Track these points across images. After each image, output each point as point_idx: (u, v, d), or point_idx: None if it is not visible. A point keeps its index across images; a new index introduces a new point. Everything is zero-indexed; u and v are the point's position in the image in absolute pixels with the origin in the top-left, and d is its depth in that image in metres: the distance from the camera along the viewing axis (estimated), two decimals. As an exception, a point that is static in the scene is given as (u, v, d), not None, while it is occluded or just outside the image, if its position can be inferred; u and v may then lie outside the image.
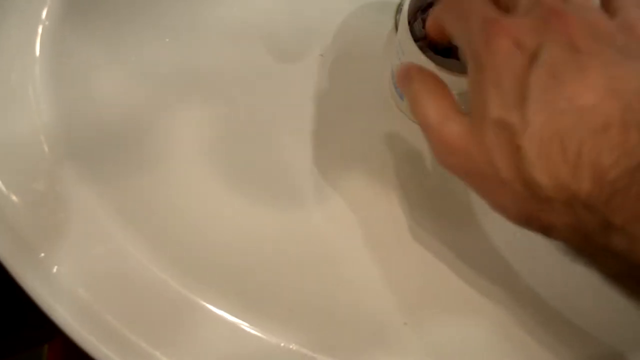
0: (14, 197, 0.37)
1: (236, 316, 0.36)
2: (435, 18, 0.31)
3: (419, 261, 0.39)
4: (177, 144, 0.40)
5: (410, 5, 0.36)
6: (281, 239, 0.39)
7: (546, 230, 0.25)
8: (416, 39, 0.37)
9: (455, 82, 0.33)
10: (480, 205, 0.39)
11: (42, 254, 0.36)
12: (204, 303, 0.36)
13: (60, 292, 0.35)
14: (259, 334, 0.36)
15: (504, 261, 0.38)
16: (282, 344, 0.36)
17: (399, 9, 0.44)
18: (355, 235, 0.39)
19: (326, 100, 0.42)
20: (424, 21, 0.37)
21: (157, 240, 0.37)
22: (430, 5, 0.38)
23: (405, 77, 0.31)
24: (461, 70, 0.35)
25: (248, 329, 0.36)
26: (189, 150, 0.40)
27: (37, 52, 0.40)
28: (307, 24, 0.43)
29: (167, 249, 0.37)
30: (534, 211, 0.25)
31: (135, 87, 0.40)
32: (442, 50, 0.37)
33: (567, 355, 0.36)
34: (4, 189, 0.37)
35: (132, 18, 0.41)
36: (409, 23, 0.37)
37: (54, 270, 0.35)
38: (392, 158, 0.41)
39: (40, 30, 0.40)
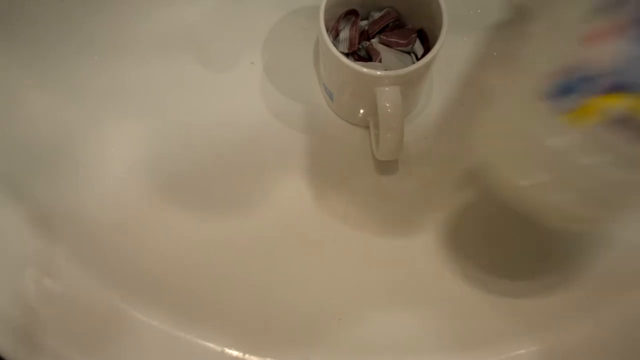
0: None
1: (168, 323, 0.36)
2: None
3: (353, 260, 0.39)
4: (110, 160, 0.39)
5: (327, 11, 0.36)
6: (212, 245, 0.38)
7: None
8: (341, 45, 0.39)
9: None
10: (413, 204, 0.40)
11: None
12: (136, 313, 0.36)
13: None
14: (192, 339, 0.36)
15: (432, 258, 0.39)
16: (215, 348, 0.36)
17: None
18: (287, 237, 0.39)
19: (259, 107, 0.42)
20: (353, 26, 0.39)
21: (86, 254, 0.36)
22: (353, 11, 0.39)
23: None
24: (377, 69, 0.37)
25: (181, 335, 0.36)
26: (121, 165, 0.40)
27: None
28: (236, 33, 0.43)
29: (95, 261, 0.36)
30: None
31: (65, 107, 0.39)
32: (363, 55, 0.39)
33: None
34: None
35: (59, 40, 0.40)
36: (334, 29, 0.39)
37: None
38: (326, 158, 0.41)
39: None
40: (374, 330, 0.37)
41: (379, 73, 0.35)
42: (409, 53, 0.39)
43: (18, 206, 0.36)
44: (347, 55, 0.39)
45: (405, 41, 0.39)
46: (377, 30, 0.39)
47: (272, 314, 0.37)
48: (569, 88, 0.23)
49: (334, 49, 0.35)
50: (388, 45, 0.39)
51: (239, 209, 0.40)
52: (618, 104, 0.21)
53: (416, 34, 0.39)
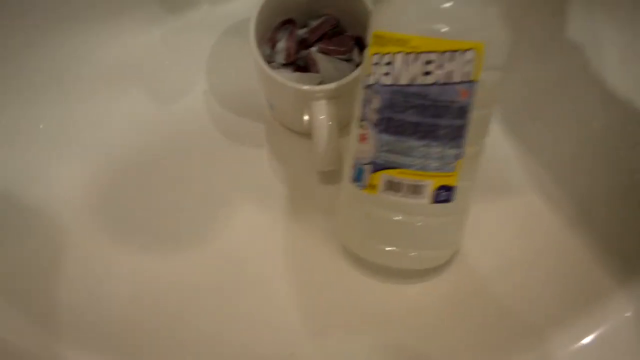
0: None
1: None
2: None
3: (304, 290, 0.38)
4: (56, 202, 0.39)
5: (261, 23, 0.36)
6: (161, 284, 0.38)
7: None
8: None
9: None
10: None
11: None
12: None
13: None
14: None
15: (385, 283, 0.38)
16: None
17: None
18: (237, 272, 0.38)
19: (210, 134, 0.41)
20: (290, 36, 0.39)
21: (25, 300, 0.36)
22: (290, 20, 0.39)
23: None
24: (315, 81, 0.38)
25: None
26: (66, 206, 0.39)
27: None
28: (182, 61, 0.43)
29: (37, 309, 0.36)
30: None
31: (8, 153, 0.39)
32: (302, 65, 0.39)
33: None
34: None
35: None
36: (271, 40, 0.39)
37: None
38: (277, 177, 0.41)
39: None
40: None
41: (305, 87, 0.35)
42: (348, 60, 0.39)
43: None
44: (285, 65, 0.39)
45: (344, 49, 0.38)
46: (316, 38, 0.39)
47: (223, 355, 0.36)
48: (360, 172, 0.33)
49: (262, 63, 0.35)
50: (327, 53, 0.38)
51: (190, 243, 0.39)
52: (384, 176, 0.32)
53: (354, 42, 0.38)
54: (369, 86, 0.32)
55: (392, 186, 0.31)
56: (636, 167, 0.37)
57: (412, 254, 0.34)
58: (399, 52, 0.30)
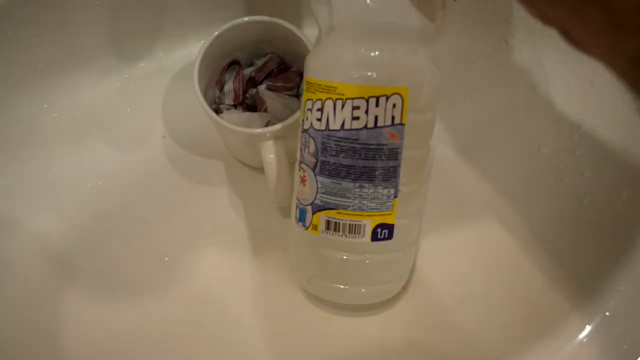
0: None
1: None
2: None
3: (278, 331, 0.38)
4: (20, 259, 0.39)
5: (208, 66, 0.37)
6: (127, 335, 0.38)
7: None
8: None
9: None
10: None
11: None
12: None
13: None
14: None
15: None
16: None
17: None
18: (205, 316, 0.39)
19: (173, 178, 0.42)
20: (236, 77, 0.39)
21: None
22: (236, 61, 0.40)
23: None
24: (264, 120, 0.38)
25: None
26: (28, 268, 0.39)
27: None
28: (144, 108, 0.43)
29: None
30: None
31: None
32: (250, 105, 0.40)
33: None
34: None
35: None
36: (219, 82, 0.39)
37: None
38: (240, 214, 0.41)
39: None
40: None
41: (249, 131, 0.35)
42: (297, 96, 0.39)
43: None
44: (235, 106, 0.39)
45: (291, 85, 0.39)
46: (263, 76, 0.39)
47: None
48: (302, 212, 0.34)
49: (207, 108, 0.36)
50: (275, 90, 0.39)
51: (157, 289, 0.40)
52: (323, 216, 0.33)
53: (300, 77, 0.39)
54: (304, 130, 0.32)
55: (332, 226, 0.32)
56: (585, 192, 0.37)
57: (361, 290, 0.35)
58: (328, 99, 0.30)
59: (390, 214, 0.32)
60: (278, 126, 0.35)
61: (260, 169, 0.41)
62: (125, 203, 0.41)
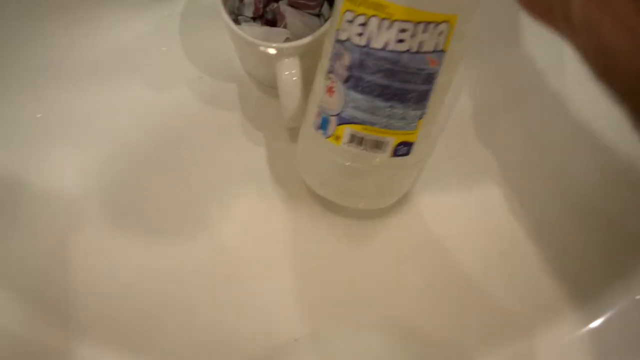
0: None
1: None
2: None
3: (310, 277, 0.38)
4: (55, 193, 0.38)
5: None
6: (164, 273, 0.38)
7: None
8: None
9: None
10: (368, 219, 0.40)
11: None
12: (84, 353, 0.35)
13: None
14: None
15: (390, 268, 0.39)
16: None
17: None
18: (237, 258, 0.39)
19: (206, 124, 0.41)
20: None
21: (29, 293, 0.36)
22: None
23: None
24: (282, 37, 0.37)
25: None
26: (67, 198, 0.38)
27: None
28: (180, 47, 0.42)
29: (41, 300, 0.36)
30: None
31: (3, 145, 0.38)
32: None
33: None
34: None
35: None
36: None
37: None
38: (274, 173, 0.41)
39: None
40: (333, 349, 0.37)
41: (272, 47, 0.34)
42: (318, 15, 0.39)
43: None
44: (253, 19, 0.38)
45: (314, 3, 0.38)
46: (285, -9, 0.38)
47: (226, 344, 0.36)
48: (325, 122, 0.34)
49: (227, 20, 0.35)
50: (296, 7, 0.38)
51: (193, 230, 0.39)
52: (348, 129, 0.33)
53: (323, -4, 0.38)
54: (340, 41, 0.32)
55: (356, 140, 0.33)
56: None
57: (368, 197, 0.37)
58: (373, 16, 0.30)
59: (413, 133, 0.33)
60: (300, 42, 0.35)
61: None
62: (159, 141, 0.40)
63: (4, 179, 0.38)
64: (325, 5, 0.39)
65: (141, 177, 0.40)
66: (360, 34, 0.31)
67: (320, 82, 0.34)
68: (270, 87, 0.41)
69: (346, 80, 0.32)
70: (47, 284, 0.36)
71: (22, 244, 0.37)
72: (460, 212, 0.40)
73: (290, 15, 0.38)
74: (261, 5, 0.38)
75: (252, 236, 0.39)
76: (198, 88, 0.41)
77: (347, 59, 0.32)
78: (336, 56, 0.32)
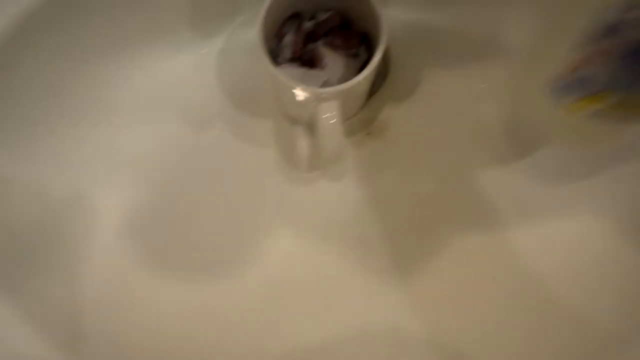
0: None
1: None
2: None
3: (351, 311, 0.38)
4: (100, 229, 0.39)
5: (270, 16, 0.36)
6: (205, 313, 0.38)
7: None
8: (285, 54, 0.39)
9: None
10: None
11: None
12: None
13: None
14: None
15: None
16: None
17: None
18: (279, 295, 0.39)
19: (243, 161, 0.41)
20: (297, 30, 0.38)
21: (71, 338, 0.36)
22: (297, 14, 0.38)
23: None
24: (320, 79, 0.38)
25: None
26: (110, 235, 0.39)
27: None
28: (218, 85, 0.42)
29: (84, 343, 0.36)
30: None
31: (53, 179, 0.38)
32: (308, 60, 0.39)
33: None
34: None
35: (42, 112, 0.38)
36: (279, 33, 0.38)
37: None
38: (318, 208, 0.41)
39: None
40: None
41: (312, 91, 0.35)
42: (355, 56, 0.39)
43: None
44: (291, 60, 0.38)
45: (352, 44, 0.38)
46: (323, 32, 0.38)
47: None
48: (569, 88, 0.32)
49: (267, 62, 0.35)
50: (334, 48, 0.38)
51: (232, 269, 0.40)
52: (600, 103, 0.31)
53: (360, 38, 0.38)
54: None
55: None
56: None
57: None
58: None
59: None
60: (339, 88, 0.34)
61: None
62: (196, 178, 0.41)
63: (52, 217, 0.38)
64: (362, 47, 0.38)
65: (178, 214, 0.40)
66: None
67: (572, 49, 0.33)
68: (307, 125, 0.41)
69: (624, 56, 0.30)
70: (70, 318, 0.36)
71: (58, 286, 0.37)
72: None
73: (328, 56, 0.38)
74: (300, 47, 0.38)
75: (286, 279, 0.39)
76: (235, 126, 0.42)
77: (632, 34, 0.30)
78: (625, 30, 0.30)
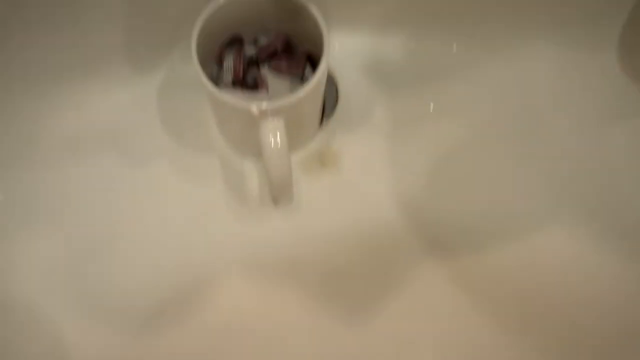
0: None
1: None
2: None
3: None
4: (19, 282, 0.35)
5: (205, 38, 0.33)
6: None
7: None
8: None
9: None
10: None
11: None
12: None
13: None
14: None
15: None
16: None
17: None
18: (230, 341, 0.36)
19: (186, 199, 0.39)
20: (238, 54, 0.36)
21: None
22: (237, 37, 0.36)
23: None
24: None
25: None
26: (33, 286, 0.35)
27: None
28: (156, 121, 0.40)
29: None
30: None
31: None
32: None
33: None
34: None
35: None
36: (218, 57, 0.36)
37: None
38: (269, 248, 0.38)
39: None
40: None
41: (252, 105, 0.31)
42: (301, 79, 0.37)
43: None
44: (233, 84, 0.36)
45: (297, 67, 0.36)
46: (266, 56, 0.36)
47: None
48: None
49: (206, 81, 0.32)
50: (279, 71, 0.36)
51: (175, 318, 0.36)
52: None
53: (305, 61, 0.36)
54: None
55: None
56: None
57: None
58: None
59: None
60: (284, 100, 0.31)
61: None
62: (132, 216, 0.37)
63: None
64: (308, 69, 0.37)
65: (114, 259, 0.36)
66: None
67: None
68: (254, 156, 0.38)
69: None
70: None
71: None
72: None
73: (272, 80, 0.36)
74: (241, 70, 0.36)
75: (239, 320, 0.35)
76: (177, 162, 0.39)
77: None
78: None
